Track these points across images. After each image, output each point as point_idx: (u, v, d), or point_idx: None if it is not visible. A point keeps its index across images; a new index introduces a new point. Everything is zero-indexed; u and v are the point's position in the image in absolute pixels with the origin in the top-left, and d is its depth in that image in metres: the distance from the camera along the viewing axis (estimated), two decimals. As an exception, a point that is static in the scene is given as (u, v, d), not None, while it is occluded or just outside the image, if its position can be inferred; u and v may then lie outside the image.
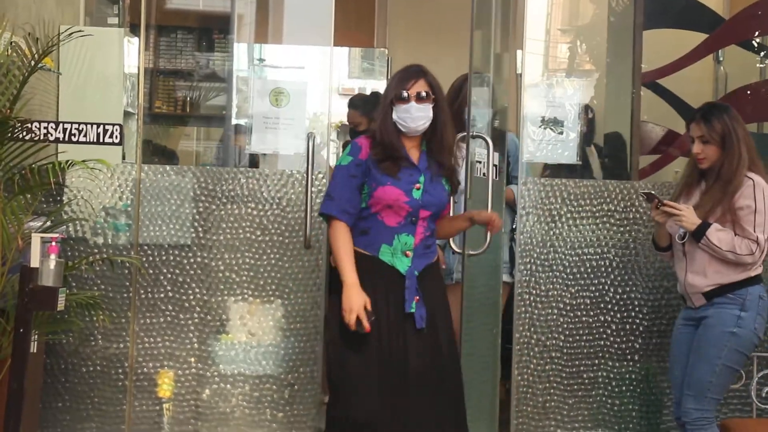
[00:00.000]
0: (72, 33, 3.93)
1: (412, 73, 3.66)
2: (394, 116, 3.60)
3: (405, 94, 3.59)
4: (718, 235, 3.72)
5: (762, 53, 5.23)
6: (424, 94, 3.60)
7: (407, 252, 3.57)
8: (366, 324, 3.43)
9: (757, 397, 4.20)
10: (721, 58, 5.34)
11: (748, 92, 5.06)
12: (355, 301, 3.47)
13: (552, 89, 4.66)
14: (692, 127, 3.87)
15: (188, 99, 5.66)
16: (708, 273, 3.77)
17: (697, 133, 3.84)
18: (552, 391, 4.52)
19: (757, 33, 5.09)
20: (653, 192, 3.86)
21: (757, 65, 5.28)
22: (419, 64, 3.70)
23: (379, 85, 7.26)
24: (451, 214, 3.95)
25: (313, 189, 4.44)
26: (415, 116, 3.57)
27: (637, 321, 4.54)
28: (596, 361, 4.53)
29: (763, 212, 3.74)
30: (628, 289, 4.54)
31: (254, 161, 5.06)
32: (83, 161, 3.90)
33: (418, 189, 3.56)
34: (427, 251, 3.64)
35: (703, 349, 3.76)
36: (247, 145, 4.69)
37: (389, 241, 3.56)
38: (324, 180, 4.51)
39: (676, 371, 3.90)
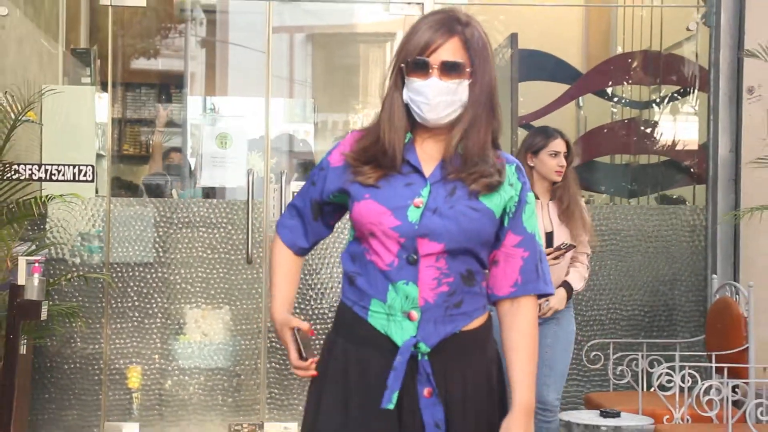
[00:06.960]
0: (48, 91, 4.02)
1: (441, 24, 1.88)
2: (405, 95, 1.90)
3: (424, 60, 1.86)
4: (578, 284, 3.72)
5: (613, 100, 5.34)
6: (457, 63, 1.86)
7: (411, 312, 1.88)
8: (292, 357, 1.97)
9: (613, 375, 4.22)
10: (581, 104, 5.43)
11: (605, 130, 5.21)
12: (278, 329, 2.04)
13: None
14: (557, 144, 3.66)
15: (150, 142, 5.64)
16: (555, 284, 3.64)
17: (563, 148, 3.67)
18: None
19: (609, 83, 5.20)
20: (572, 244, 3.65)
21: (610, 109, 5.38)
22: (455, 9, 1.92)
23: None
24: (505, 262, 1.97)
25: (253, 215, 4.49)
26: (434, 102, 1.86)
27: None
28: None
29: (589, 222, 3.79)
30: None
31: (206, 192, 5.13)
32: (61, 195, 3.94)
33: (417, 207, 1.88)
34: (454, 312, 1.90)
35: (563, 344, 3.69)
36: (198, 180, 4.76)
37: (382, 295, 1.90)
38: (261, 209, 4.53)
39: None
